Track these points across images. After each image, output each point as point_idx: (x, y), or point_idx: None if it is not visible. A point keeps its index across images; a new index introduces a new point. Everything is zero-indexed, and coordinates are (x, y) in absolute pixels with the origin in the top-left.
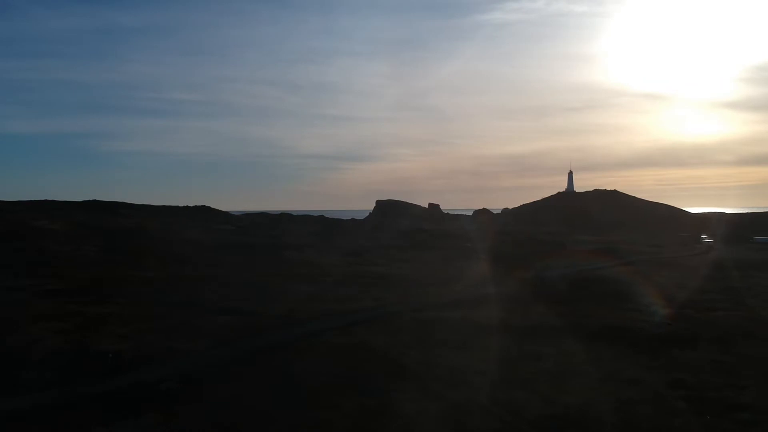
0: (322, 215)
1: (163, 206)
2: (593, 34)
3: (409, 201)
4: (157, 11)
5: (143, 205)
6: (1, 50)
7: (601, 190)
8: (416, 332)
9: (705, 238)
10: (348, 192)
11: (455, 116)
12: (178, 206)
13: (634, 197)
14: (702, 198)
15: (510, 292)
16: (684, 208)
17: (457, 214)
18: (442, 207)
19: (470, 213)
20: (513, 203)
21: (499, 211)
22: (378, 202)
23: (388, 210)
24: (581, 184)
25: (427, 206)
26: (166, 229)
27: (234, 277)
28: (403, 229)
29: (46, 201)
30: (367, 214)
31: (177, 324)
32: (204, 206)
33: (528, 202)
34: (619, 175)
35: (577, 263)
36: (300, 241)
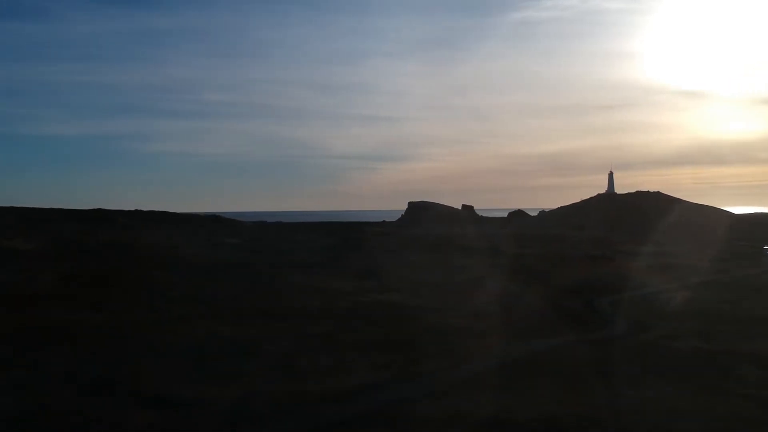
0: (345, 222)
1: (172, 214)
2: (629, 31)
3: (442, 201)
4: (191, 14)
5: (152, 212)
6: (40, 54)
7: (643, 191)
8: None
9: None
10: (380, 192)
11: (488, 115)
12: (189, 214)
13: (678, 199)
14: (742, 197)
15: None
16: (724, 208)
17: (492, 217)
18: (476, 207)
19: (505, 214)
20: (549, 203)
21: (536, 214)
22: (410, 204)
23: (420, 212)
24: (619, 183)
25: (460, 207)
26: (158, 245)
27: (202, 325)
28: (431, 240)
29: (42, 209)
30: (399, 214)
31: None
32: (214, 215)
33: (565, 201)
34: (657, 174)
35: (636, 284)
36: (311, 258)
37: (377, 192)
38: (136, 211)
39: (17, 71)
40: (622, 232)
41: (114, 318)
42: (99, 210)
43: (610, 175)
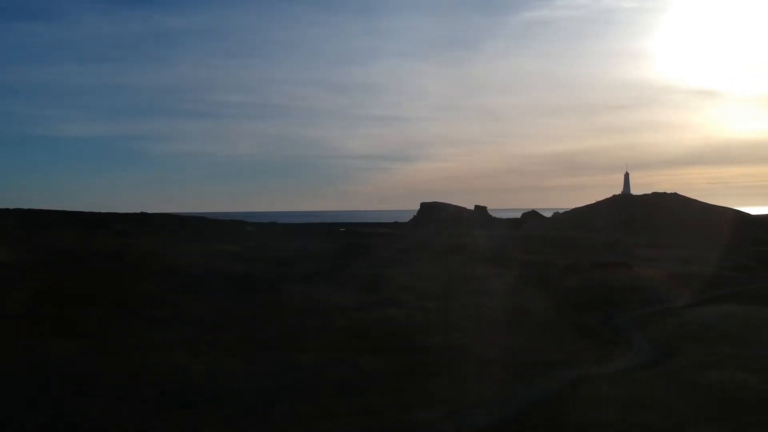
0: (351, 226)
1: (177, 216)
2: (642, 30)
3: (454, 201)
4: (205, 15)
5: (158, 214)
6: (56, 55)
7: (659, 192)
8: None
9: None
10: (393, 192)
11: (502, 115)
12: (196, 216)
13: (695, 200)
14: (757, 197)
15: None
16: (738, 208)
17: (505, 218)
18: (489, 207)
19: (518, 215)
20: (563, 203)
21: (550, 214)
22: (422, 204)
23: (432, 212)
24: (633, 183)
25: (473, 208)
26: (152, 254)
27: (178, 355)
28: (439, 246)
29: (45, 211)
30: (412, 215)
31: None
32: (217, 219)
33: (579, 201)
34: (670, 174)
35: (658, 296)
36: (313, 267)
37: (390, 192)
38: (141, 214)
39: (32, 72)
40: (640, 235)
41: (84, 345)
42: (99, 214)
43: (626, 175)
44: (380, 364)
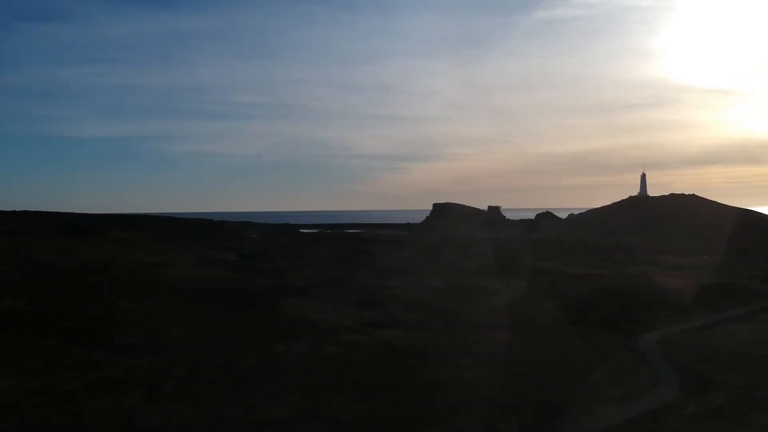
0: (362, 227)
1: (178, 219)
2: (658, 29)
3: (468, 201)
4: (217, 16)
5: (157, 216)
6: (72, 56)
7: (677, 194)
8: None
9: None
10: (407, 192)
11: (516, 114)
12: (194, 218)
13: (715, 202)
14: None
15: None
16: (757, 209)
17: (518, 219)
18: (503, 207)
19: (532, 215)
20: (578, 203)
21: (564, 215)
22: (434, 205)
23: (444, 213)
24: (650, 183)
25: (486, 208)
26: (141, 264)
27: (135, 402)
28: (447, 255)
29: (38, 213)
30: (425, 215)
31: None
32: (217, 223)
33: (594, 201)
34: (687, 173)
35: (684, 311)
36: (312, 277)
37: (403, 192)
38: (141, 216)
39: (45, 73)
40: (659, 240)
41: (32, 383)
42: (98, 217)
43: (643, 177)
44: (366, 410)
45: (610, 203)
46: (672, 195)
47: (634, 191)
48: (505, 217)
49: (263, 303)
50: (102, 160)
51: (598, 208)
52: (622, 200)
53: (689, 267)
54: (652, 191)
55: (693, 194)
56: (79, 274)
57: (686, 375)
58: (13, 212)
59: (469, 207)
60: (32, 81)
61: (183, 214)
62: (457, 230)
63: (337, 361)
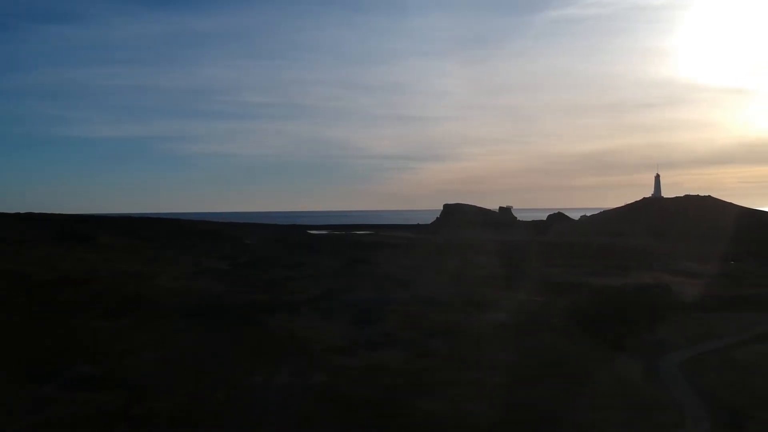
0: (359, 238)
1: (178, 222)
2: (671, 28)
3: (480, 201)
4: (229, 16)
5: (159, 218)
6: (83, 58)
7: (692, 195)
8: None
9: None
10: (419, 192)
11: (528, 114)
12: (195, 220)
13: (731, 204)
14: None
15: None
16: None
17: (530, 220)
18: (514, 207)
19: (544, 216)
20: (590, 203)
21: (576, 216)
22: (445, 206)
23: (454, 214)
24: (664, 183)
25: (497, 209)
26: (127, 275)
27: None
28: (452, 263)
29: (36, 216)
30: (436, 215)
31: None
32: (214, 230)
33: (607, 201)
34: (701, 173)
35: (709, 329)
36: (306, 289)
37: (414, 192)
38: (144, 218)
39: (56, 74)
40: (675, 244)
41: None
42: (95, 218)
43: (657, 177)
44: None
45: (623, 204)
46: (687, 196)
47: (647, 191)
48: (515, 218)
49: (251, 321)
50: (112, 161)
51: (611, 210)
52: (636, 201)
53: (710, 275)
54: (666, 192)
55: (709, 195)
56: (54, 289)
57: (716, 409)
58: (9, 215)
59: (479, 208)
60: (44, 82)
61: (192, 214)
62: (467, 233)
63: (321, 392)
